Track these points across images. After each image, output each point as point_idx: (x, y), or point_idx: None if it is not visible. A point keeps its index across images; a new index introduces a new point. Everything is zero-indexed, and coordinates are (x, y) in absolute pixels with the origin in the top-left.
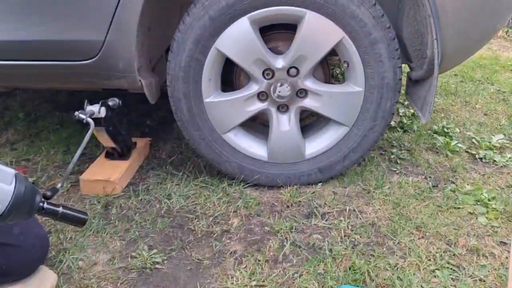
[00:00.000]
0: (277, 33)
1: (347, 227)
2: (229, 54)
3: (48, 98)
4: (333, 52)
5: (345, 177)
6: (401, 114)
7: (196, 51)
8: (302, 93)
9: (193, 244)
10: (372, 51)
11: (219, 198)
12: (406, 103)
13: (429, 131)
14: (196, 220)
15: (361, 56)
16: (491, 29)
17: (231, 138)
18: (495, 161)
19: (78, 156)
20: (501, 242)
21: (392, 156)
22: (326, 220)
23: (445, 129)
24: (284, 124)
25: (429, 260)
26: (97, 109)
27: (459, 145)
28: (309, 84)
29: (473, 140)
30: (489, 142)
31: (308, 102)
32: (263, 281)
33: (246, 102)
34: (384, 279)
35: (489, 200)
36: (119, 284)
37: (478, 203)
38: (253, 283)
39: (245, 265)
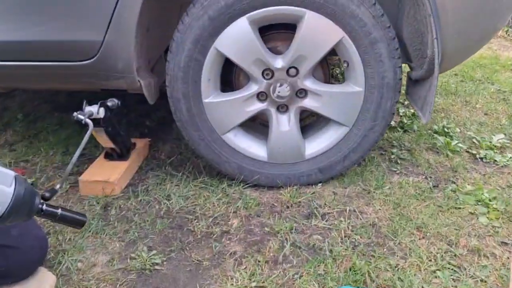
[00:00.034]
0: (276, 33)
1: (348, 227)
2: (228, 54)
3: (47, 98)
4: (333, 52)
5: (345, 178)
6: (401, 114)
7: (195, 51)
8: (302, 93)
9: (192, 245)
10: (372, 51)
11: (219, 199)
12: (406, 103)
13: (429, 131)
14: (196, 221)
15: (361, 56)
16: (491, 28)
17: (231, 138)
18: (495, 161)
19: (77, 157)
20: (502, 242)
21: (393, 156)
22: (326, 221)
23: (445, 129)
24: (284, 124)
25: (430, 260)
26: (96, 110)
27: (460, 145)
28: (309, 84)
29: (474, 140)
30: (490, 142)
31: (308, 102)
32: (263, 282)
33: (246, 103)
34: (385, 280)
35: (490, 200)
36: (118, 285)
37: (479, 203)
38: (253, 284)
39: (245, 266)
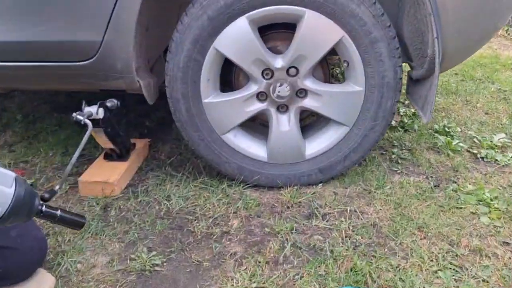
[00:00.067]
0: (276, 32)
1: (348, 227)
2: (227, 54)
3: (47, 99)
4: (333, 52)
5: (345, 178)
6: (402, 113)
7: (195, 51)
8: (302, 93)
9: (192, 246)
10: (372, 50)
11: (219, 199)
12: (406, 102)
13: (430, 131)
14: (196, 221)
15: (361, 55)
16: (492, 27)
17: (231, 138)
18: (496, 160)
19: (76, 158)
20: (504, 242)
21: (393, 156)
22: (327, 221)
23: (446, 129)
24: (284, 124)
25: (432, 260)
26: (95, 110)
27: (461, 144)
28: (309, 84)
29: (475, 139)
30: (491, 141)
31: (308, 102)
32: (264, 283)
33: (246, 103)
34: (386, 280)
35: (491, 199)
36: (118, 286)
37: (480, 202)
38: (254, 285)
39: (245, 267)
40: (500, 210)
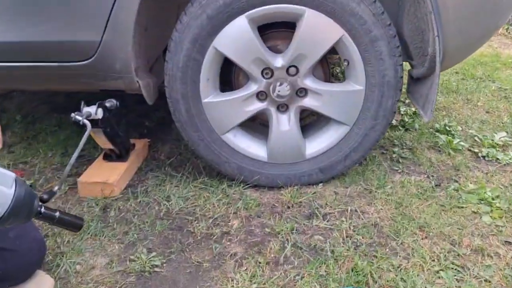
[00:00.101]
0: (276, 31)
1: (349, 227)
2: (227, 54)
3: (46, 99)
4: (333, 51)
5: (346, 177)
6: (402, 112)
7: (194, 50)
8: (302, 92)
9: (192, 247)
10: (373, 49)
11: (219, 200)
12: (407, 101)
13: (431, 130)
14: (196, 222)
15: (361, 54)
16: (492, 26)
17: (230, 138)
18: (498, 159)
19: (75, 158)
20: (506, 241)
21: (394, 155)
22: (327, 221)
23: (447, 127)
24: (284, 124)
25: (433, 260)
26: (94, 111)
27: (462, 143)
28: (309, 83)
29: (476, 138)
30: (492, 140)
31: (308, 102)
32: (264, 283)
33: (245, 102)
34: (388, 281)
35: (493, 199)
36: None
37: (482, 202)
38: (254, 286)
39: (245, 268)
40: (501, 209)
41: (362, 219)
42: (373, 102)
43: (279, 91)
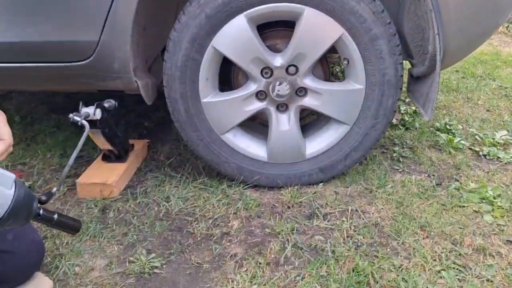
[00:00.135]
0: (275, 30)
1: (350, 227)
2: (226, 53)
3: (44, 100)
4: (332, 50)
5: (346, 177)
6: (402, 111)
7: (193, 50)
8: (302, 91)
9: (192, 248)
10: (373, 48)
11: (219, 200)
12: (407, 100)
13: (431, 128)
14: (195, 222)
15: (361, 53)
16: (493, 24)
17: (230, 138)
18: (499, 157)
19: (73, 159)
20: (507, 241)
21: (394, 155)
22: (328, 221)
23: (447, 126)
24: (284, 124)
25: (435, 260)
26: (92, 111)
27: (462, 142)
28: (309, 82)
29: (476, 137)
30: (493, 139)
31: (308, 101)
32: (264, 284)
33: (245, 102)
34: (389, 281)
35: (494, 197)
36: None
37: (483, 201)
38: (254, 286)
39: (245, 268)
40: (503, 208)
41: (363, 219)
42: (373, 101)
43: (278, 91)
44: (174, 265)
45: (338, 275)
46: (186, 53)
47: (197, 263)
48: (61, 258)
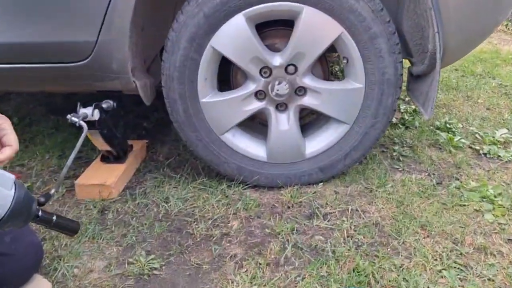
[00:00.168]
0: (274, 30)
1: (350, 227)
2: (225, 53)
3: (43, 101)
4: (332, 49)
5: (346, 176)
6: (402, 110)
7: (191, 50)
8: (301, 91)
9: (192, 249)
10: (372, 46)
11: (218, 201)
12: (407, 99)
13: (431, 127)
14: (195, 223)
15: (360, 52)
16: (493, 22)
17: (229, 138)
18: (499, 156)
19: (71, 160)
20: (509, 239)
21: (395, 154)
22: (328, 221)
23: (447, 125)
24: (283, 123)
25: (436, 260)
26: (91, 112)
27: (463, 140)
28: (308, 81)
29: (477, 135)
30: (493, 137)
31: (307, 100)
32: (265, 285)
33: (244, 102)
34: (390, 281)
35: (495, 196)
36: None
37: (484, 199)
38: (254, 287)
39: (245, 269)
40: (504, 207)
41: (363, 218)
42: (373, 100)
43: (277, 90)
44: (173, 266)
45: (338, 275)
46: (185, 53)
47: (197, 264)
48: (60, 260)
